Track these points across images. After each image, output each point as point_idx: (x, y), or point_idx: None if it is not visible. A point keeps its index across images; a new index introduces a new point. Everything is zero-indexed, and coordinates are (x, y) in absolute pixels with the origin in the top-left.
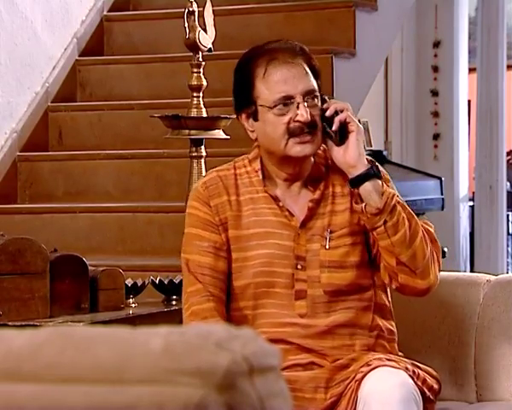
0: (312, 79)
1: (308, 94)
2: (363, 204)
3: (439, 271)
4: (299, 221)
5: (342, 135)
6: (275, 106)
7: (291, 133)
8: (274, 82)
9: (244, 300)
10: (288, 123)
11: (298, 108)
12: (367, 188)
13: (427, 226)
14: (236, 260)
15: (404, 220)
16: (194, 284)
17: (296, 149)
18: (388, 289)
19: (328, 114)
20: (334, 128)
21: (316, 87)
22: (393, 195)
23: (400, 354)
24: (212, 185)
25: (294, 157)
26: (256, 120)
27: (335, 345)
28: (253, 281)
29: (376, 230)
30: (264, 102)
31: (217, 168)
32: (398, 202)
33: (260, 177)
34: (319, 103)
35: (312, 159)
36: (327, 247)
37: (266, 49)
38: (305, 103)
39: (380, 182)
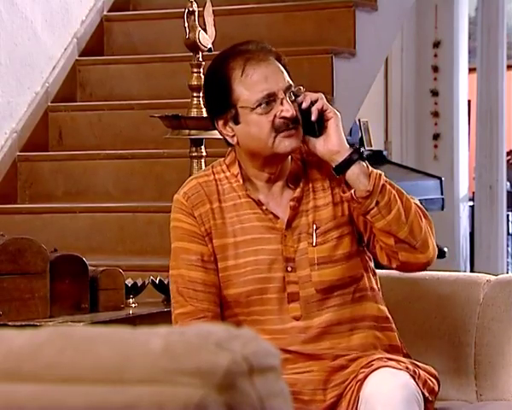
0: (286, 75)
1: (288, 89)
2: (352, 190)
3: (434, 241)
4: (284, 223)
5: (320, 126)
6: (258, 105)
7: (277, 130)
8: (254, 81)
9: (237, 307)
10: (273, 120)
11: (281, 104)
12: (354, 171)
13: (415, 200)
14: (224, 269)
15: (395, 198)
16: (183, 306)
17: (284, 143)
18: (377, 276)
19: (304, 106)
20: (313, 118)
21: (291, 83)
22: (380, 174)
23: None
24: (194, 194)
25: (282, 153)
26: (237, 123)
27: (334, 345)
28: (244, 290)
29: (370, 213)
30: (246, 103)
31: (196, 175)
32: (386, 181)
33: (241, 181)
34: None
35: (290, 156)
36: (314, 244)
37: (238, 51)
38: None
39: (365, 164)
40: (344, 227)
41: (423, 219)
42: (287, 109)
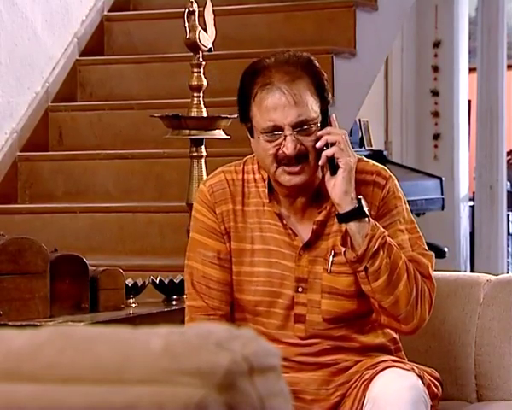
0: (310, 104)
1: (299, 125)
2: (344, 249)
3: (430, 308)
4: (301, 241)
5: (333, 167)
6: (264, 132)
7: (279, 162)
8: (264, 108)
9: (246, 312)
10: (276, 152)
11: (285, 139)
12: (352, 228)
13: (423, 260)
14: (238, 273)
15: (386, 266)
16: (196, 300)
17: (285, 177)
18: None
19: (318, 146)
20: (320, 163)
21: (311, 116)
22: (378, 236)
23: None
24: (219, 191)
25: (284, 185)
26: (252, 136)
27: (341, 357)
28: (252, 298)
29: (359, 274)
30: (256, 124)
31: (225, 168)
32: (384, 244)
33: (266, 190)
34: (318, 127)
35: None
36: (329, 270)
37: (266, 67)
38: (294, 135)
39: (366, 221)
40: None
41: (416, 288)
42: (287, 147)
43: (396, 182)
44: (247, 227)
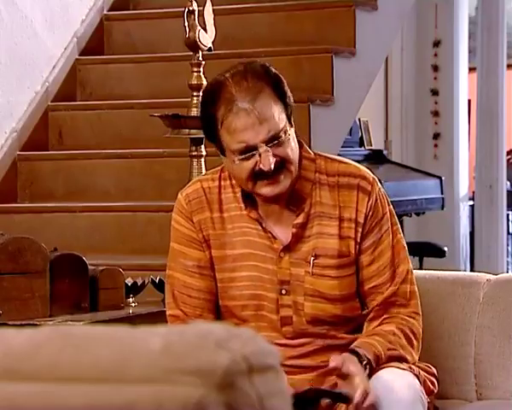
0: (276, 115)
1: (271, 140)
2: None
3: (420, 325)
4: (281, 244)
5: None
6: (238, 153)
7: (256, 176)
8: (234, 130)
9: (233, 317)
10: (253, 168)
11: (260, 156)
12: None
13: (402, 290)
14: (222, 280)
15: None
16: (172, 309)
17: (266, 189)
18: None
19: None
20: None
21: (279, 127)
22: (374, 364)
23: None
24: (195, 199)
25: (265, 196)
26: (223, 154)
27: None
28: (239, 303)
29: None
30: (228, 146)
31: (202, 177)
32: (379, 362)
33: (240, 197)
34: (290, 137)
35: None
36: (311, 273)
37: (225, 87)
38: (268, 150)
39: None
40: (346, 268)
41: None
42: (264, 164)
43: (379, 184)
44: (226, 233)
